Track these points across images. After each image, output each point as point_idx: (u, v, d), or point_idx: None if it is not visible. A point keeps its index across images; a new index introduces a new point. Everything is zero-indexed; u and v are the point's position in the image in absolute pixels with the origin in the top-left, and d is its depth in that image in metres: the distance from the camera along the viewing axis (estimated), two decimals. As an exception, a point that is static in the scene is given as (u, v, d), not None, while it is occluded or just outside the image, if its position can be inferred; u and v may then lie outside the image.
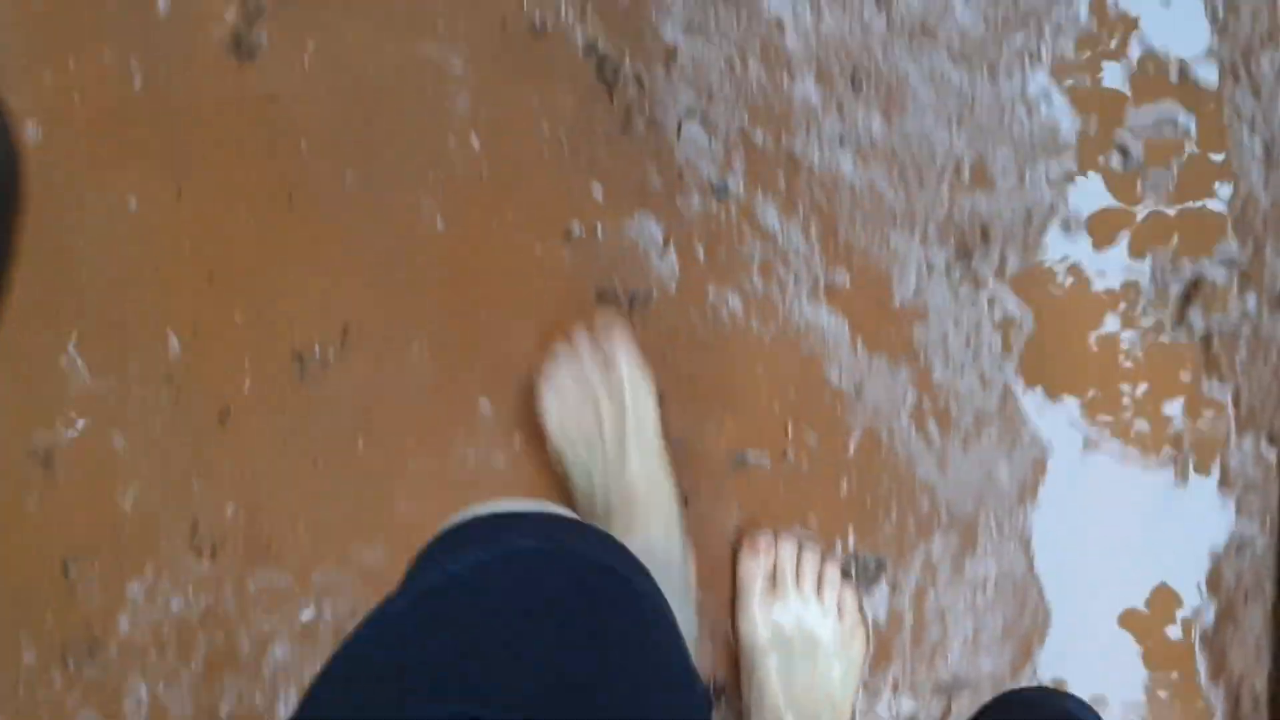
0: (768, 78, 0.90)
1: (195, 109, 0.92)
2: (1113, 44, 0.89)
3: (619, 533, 0.84)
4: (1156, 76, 0.89)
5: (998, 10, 0.89)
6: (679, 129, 0.90)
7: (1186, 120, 0.89)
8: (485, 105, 0.91)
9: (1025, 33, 0.89)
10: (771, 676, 0.88)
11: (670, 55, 0.90)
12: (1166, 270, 0.90)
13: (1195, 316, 0.90)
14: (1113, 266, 0.90)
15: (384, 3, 0.91)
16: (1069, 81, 0.89)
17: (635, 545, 0.79)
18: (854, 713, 0.90)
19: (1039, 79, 0.89)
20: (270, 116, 0.92)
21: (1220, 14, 0.88)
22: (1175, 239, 0.89)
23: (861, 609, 0.90)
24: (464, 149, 0.92)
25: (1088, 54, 0.89)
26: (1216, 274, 0.89)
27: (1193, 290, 0.89)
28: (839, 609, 0.89)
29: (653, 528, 0.87)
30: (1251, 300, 0.89)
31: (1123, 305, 0.90)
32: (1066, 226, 0.90)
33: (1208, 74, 0.89)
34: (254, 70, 0.92)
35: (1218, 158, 0.89)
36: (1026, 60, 0.89)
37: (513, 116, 0.91)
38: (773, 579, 0.90)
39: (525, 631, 0.46)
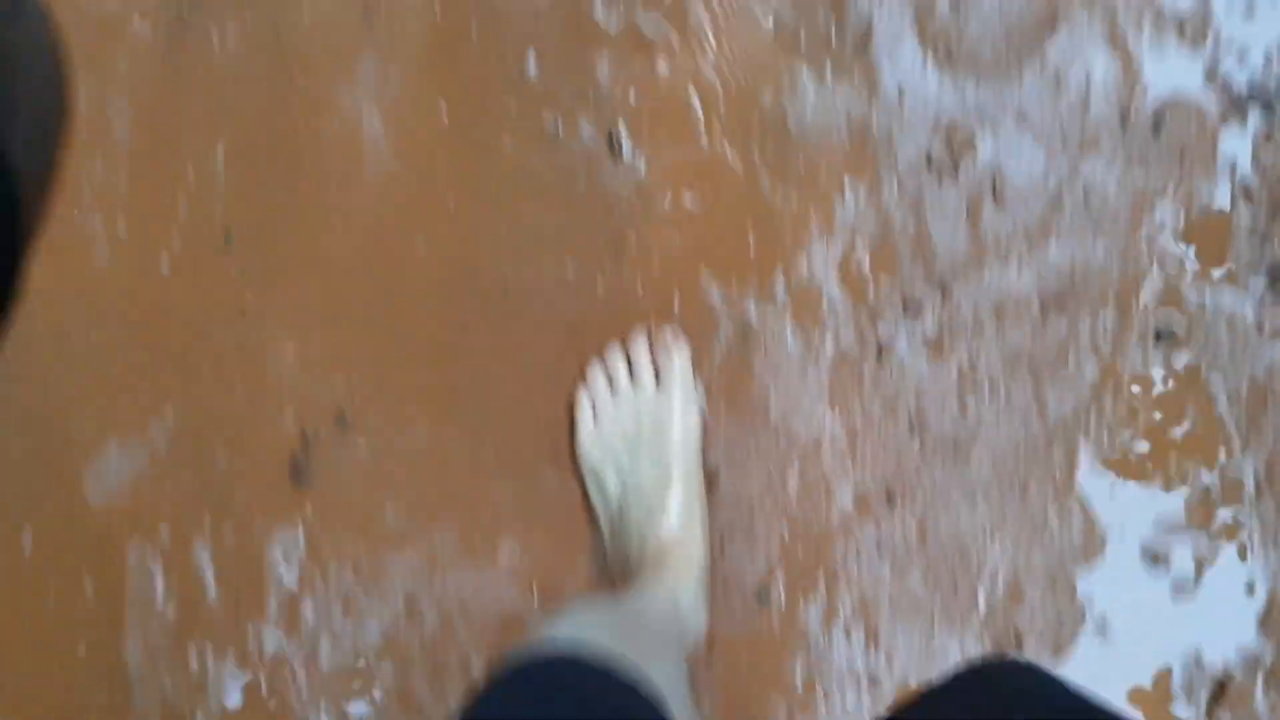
0: (806, 495, 0.93)
1: (250, 527, 0.96)
2: (1141, 455, 0.93)
3: (645, 584, 0.84)
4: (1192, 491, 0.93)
5: (1028, 429, 0.92)
6: (722, 543, 0.94)
7: (1217, 530, 0.92)
8: (531, 556, 0.95)
9: (1055, 448, 0.92)
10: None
11: (713, 478, 0.93)
12: (1193, 671, 0.93)
13: (1224, 716, 0.93)
14: (1142, 666, 0.93)
15: (444, 445, 0.95)
16: (1099, 488, 0.93)
17: (660, 605, 0.83)
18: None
19: (1069, 492, 0.92)
20: (328, 540, 0.96)
21: (1244, 431, 0.91)
22: (1202, 640, 0.93)
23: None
24: (503, 569, 0.95)
25: (1116, 471, 0.93)
26: (1243, 675, 0.93)
27: (1219, 691, 0.93)
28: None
29: (681, 590, 0.86)
30: (1277, 699, 0.93)
31: (1155, 705, 0.93)
32: (1099, 631, 0.93)
33: (1238, 485, 0.92)
34: (312, 496, 0.95)
35: (1245, 566, 0.93)
36: (1057, 474, 0.92)
37: (551, 544, 0.95)
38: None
39: None
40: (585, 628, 0.68)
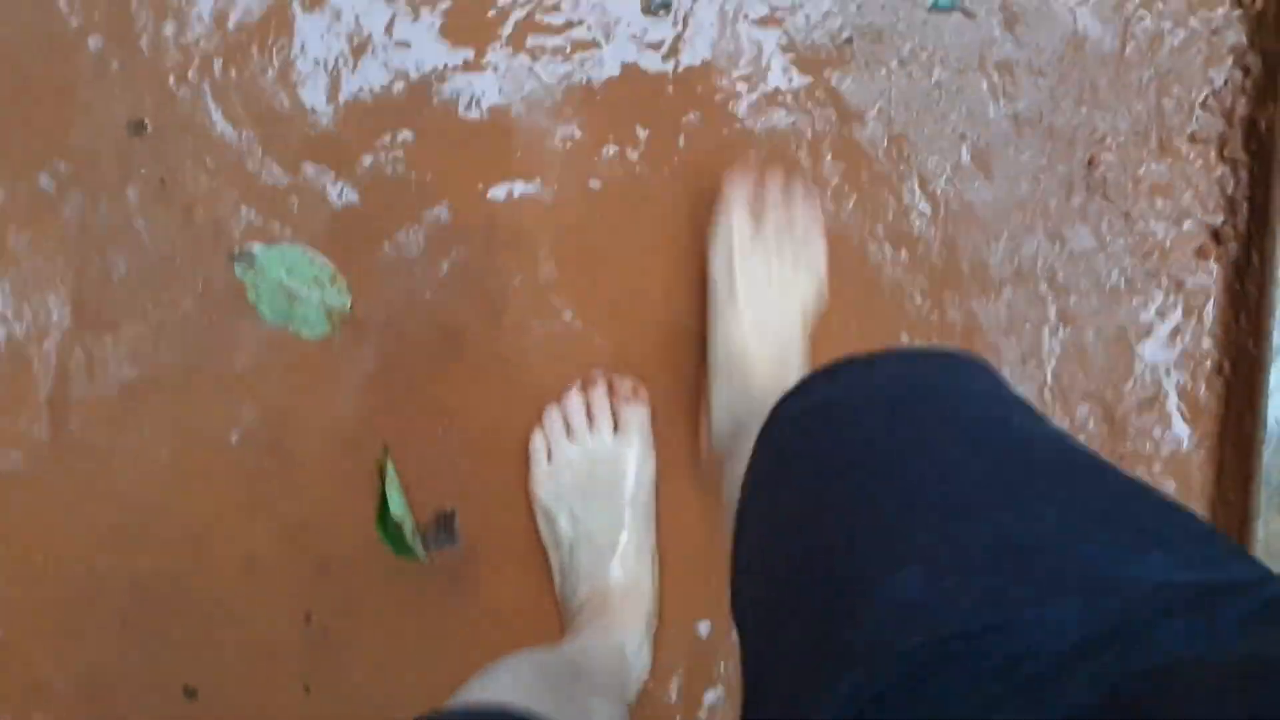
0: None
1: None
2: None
3: (591, 631, 0.85)
4: None
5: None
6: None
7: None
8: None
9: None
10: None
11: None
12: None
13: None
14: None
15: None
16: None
17: (604, 652, 0.82)
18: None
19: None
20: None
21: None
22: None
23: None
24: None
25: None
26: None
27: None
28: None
29: (628, 637, 0.87)
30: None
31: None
32: None
33: None
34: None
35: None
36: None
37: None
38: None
39: None
40: (513, 685, 0.68)
